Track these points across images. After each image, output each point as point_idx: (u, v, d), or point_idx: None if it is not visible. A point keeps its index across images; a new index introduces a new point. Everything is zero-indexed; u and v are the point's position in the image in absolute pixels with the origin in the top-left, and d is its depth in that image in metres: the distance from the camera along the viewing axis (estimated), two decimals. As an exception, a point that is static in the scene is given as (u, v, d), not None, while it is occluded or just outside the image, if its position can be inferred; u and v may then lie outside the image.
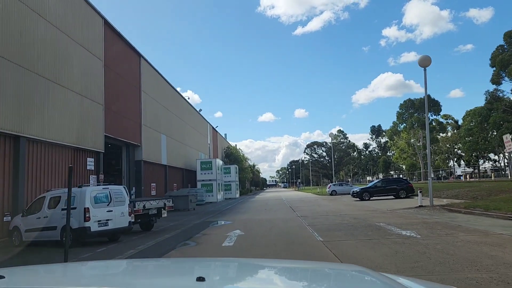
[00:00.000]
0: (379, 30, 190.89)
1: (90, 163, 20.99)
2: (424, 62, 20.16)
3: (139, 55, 29.68)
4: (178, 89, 50.00)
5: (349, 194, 41.72)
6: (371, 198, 30.77)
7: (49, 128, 16.85)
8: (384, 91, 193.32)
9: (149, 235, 14.17)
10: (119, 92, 25.67)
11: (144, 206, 14.10)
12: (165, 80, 37.22)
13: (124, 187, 18.35)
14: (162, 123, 34.70)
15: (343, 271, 2.43)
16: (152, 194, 31.61)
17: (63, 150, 18.34)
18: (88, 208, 11.39)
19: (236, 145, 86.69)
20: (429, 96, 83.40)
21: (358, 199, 31.29)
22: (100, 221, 11.72)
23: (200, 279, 1.64)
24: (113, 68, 24.60)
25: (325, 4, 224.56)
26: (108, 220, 11.94)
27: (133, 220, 13.76)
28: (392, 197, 30.86)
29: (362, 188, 32.64)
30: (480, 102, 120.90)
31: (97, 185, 14.93)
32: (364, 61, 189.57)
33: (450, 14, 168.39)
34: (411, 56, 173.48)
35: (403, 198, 30.03)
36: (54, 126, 17.24)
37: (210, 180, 42.85)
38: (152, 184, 32.00)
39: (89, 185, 14.10)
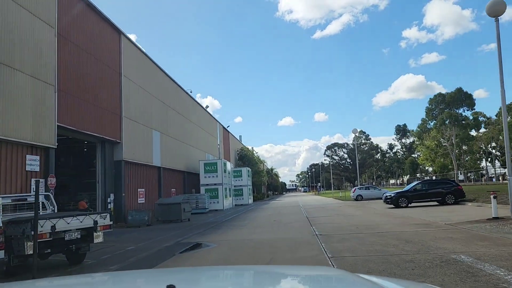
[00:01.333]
0: (399, 31, 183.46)
1: (32, 162, 15.49)
2: (495, 8, 13.86)
3: (118, 32, 24.20)
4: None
5: (377, 199, 35.65)
6: (409, 205, 24.45)
7: None
8: (405, 93, 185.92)
9: (54, 279, 8.44)
10: (86, 73, 20.18)
11: (53, 228, 8.36)
12: (160, 69, 31.65)
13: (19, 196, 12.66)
14: (154, 117, 29.17)
15: (319, 274, 2.37)
16: (139, 202, 26.08)
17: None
18: None
19: (252, 148, 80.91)
20: (461, 89, 76.11)
21: (392, 206, 24.89)
22: None
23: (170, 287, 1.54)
24: (74, 41, 19.16)
25: (344, 7, 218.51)
26: None
27: (28, 253, 8.05)
28: (436, 203, 24.50)
29: (397, 192, 26.11)
30: (507, 101, 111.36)
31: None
32: (384, 63, 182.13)
33: (472, 13, 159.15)
34: (433, 57, 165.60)
35: (451, 204, 23.63)
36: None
37: (215, 184, 36.98)
38: (139, 190, 26.42)
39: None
